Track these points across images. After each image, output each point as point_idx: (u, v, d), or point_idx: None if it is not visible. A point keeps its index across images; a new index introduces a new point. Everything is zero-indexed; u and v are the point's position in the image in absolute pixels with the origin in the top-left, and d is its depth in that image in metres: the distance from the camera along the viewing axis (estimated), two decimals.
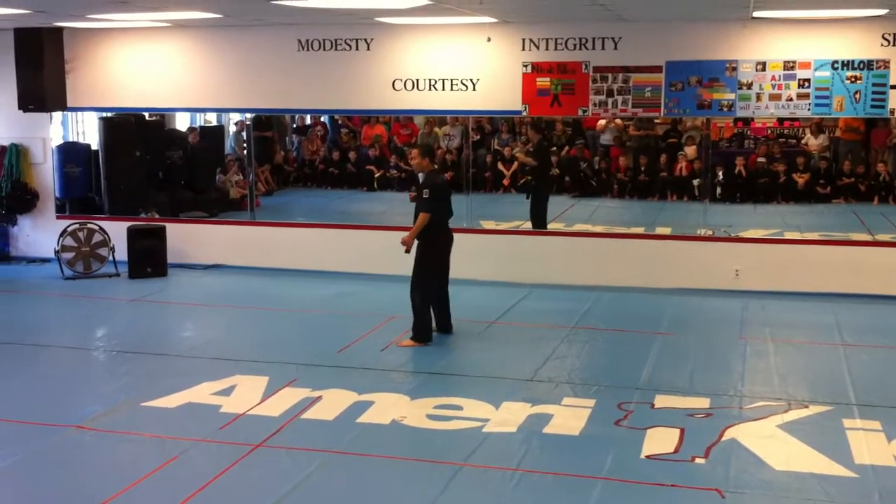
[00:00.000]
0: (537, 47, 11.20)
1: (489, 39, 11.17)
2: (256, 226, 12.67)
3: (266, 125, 16.71)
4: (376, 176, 17.07)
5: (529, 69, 11.25)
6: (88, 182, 13.02)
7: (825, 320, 9.73)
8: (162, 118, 14.77)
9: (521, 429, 6.70)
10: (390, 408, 7.10)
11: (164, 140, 14.25)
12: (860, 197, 15.41)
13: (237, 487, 5.81)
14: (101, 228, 11.92)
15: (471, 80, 11.42)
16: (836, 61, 10.53)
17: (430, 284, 8.88)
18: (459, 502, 5.63)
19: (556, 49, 11.16)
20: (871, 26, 10.36)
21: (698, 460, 6.15)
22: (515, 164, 15.67)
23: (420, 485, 5.84)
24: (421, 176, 9.13)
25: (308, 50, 11.82)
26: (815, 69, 10.59)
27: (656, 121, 15.82)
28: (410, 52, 11.58)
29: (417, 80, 11.57)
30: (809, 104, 10.69)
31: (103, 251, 11.90)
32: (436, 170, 9.14)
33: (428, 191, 8.72)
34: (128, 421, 6.89)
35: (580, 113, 11.36)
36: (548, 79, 11.22)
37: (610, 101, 11.12)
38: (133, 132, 13.01)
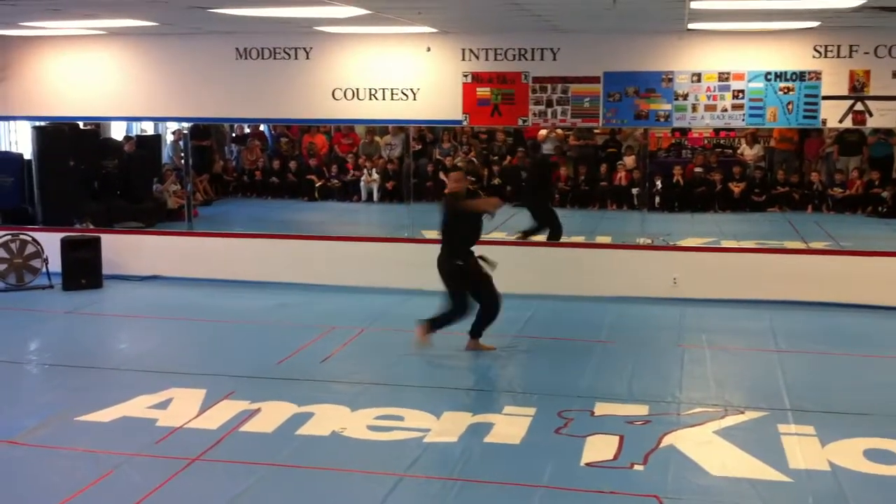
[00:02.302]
0: (477, 57, 11.24)
1: (429, 49, 11.22)
2: (194, 236, 12.49)
3: (204, 134, 16.55)
4: (317, 185, 16.99)
5: (469, 79, 11.28)
6: (21, 192, 12.73)
7: (760, 327, 9.90)
8: (97, 127, 14.55)
9: (462, 438, 6.69)
10: (330, 419, 7.03)
11: (99, 149, 14.04)
12: (794, 205, 15.77)
13: (173, 502, 5.70)
14: (33, 239, 11.64)
15: (411, 89, 11.41)
16: (769, 73, 10.73)
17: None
18: None
19: (495, 59, 11.21)
20: (803, 38, 10.59)
21: (637, 467, 6.20)
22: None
23: (360, 496, 5.79)
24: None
25: (246, 59, 11.72)
26: (749, 80, 10.78)
27: (595, 131, 16.00)
28: (350, 61, 11.54)
29: (357, 90, 11.53)
30: (744, 115, 10.88)
31: (36, 262, 11.63)
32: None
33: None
34: (61, 435, 6.73)
35: (520, 123, 11.42)
36: (488, 89, 11.26)
37: (549, 111, 11.20)
38: (67, 141, 12.79)
